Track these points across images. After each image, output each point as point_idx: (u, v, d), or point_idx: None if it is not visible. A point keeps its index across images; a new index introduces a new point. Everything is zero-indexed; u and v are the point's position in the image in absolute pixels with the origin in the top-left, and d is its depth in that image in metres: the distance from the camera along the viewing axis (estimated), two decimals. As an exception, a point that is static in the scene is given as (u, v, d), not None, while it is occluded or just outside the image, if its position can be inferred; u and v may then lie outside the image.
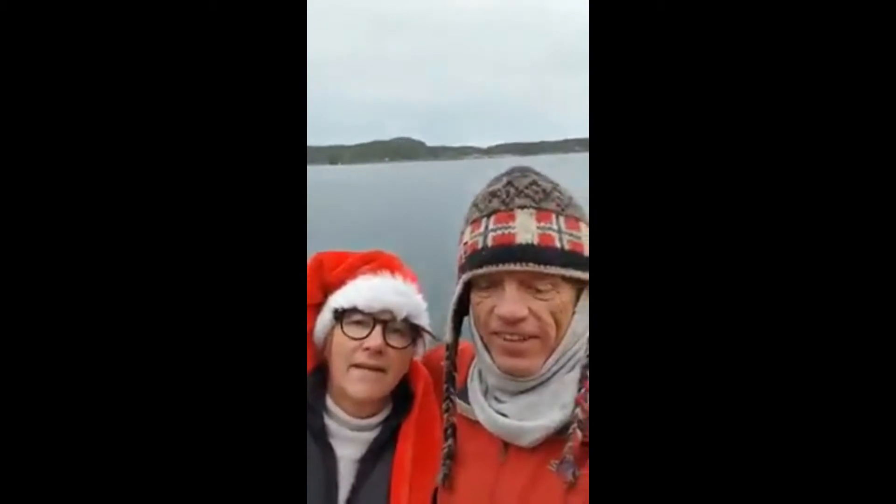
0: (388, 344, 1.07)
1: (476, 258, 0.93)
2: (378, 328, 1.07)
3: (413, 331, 1.13)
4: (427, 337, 1.18)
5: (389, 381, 1.10)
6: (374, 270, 1.14)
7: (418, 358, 1.19)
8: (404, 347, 1.10)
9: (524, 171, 0.97)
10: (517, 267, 0.89)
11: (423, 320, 1.15)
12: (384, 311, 1.08)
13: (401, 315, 1.09)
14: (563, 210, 0.94)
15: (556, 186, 0.96)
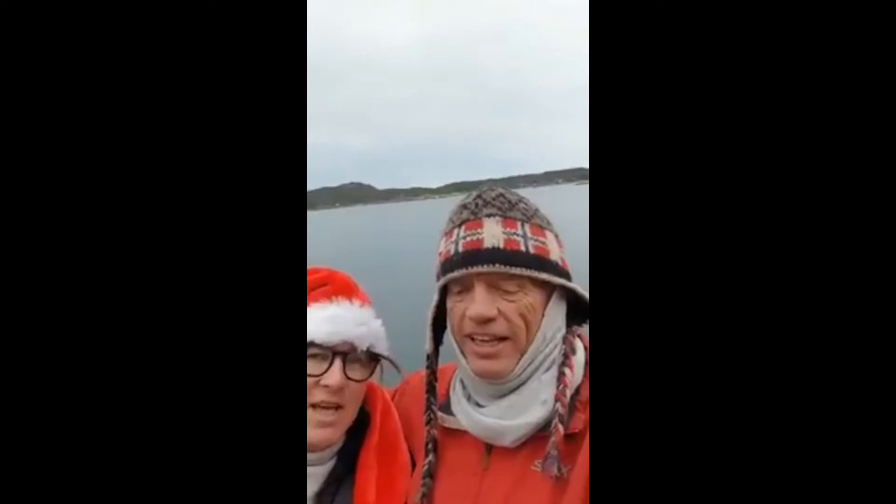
0: (348, 378, 1.00)
1: (448, 264, 0.99)
2: (337, 363, 0.99)
3: (373, 360, 1.06)
4: (386, 362, 1.10)
5: (349, 415, 1.03)
6: (329, 297, 1.03)
7: (377, 381, 1.12)
8: (365, 380, 1.04)
9: (492, 187, 1.04)
10: (484, 269, 0.94)
11: (383, 347, 1.07)
12: (344, 343, 1.00)
13: (363, 346, 1.01)
14: (528, 219, 1.00)
15: (521, 199, 1.02)
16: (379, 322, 1.07)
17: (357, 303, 1.05)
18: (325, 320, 0.99)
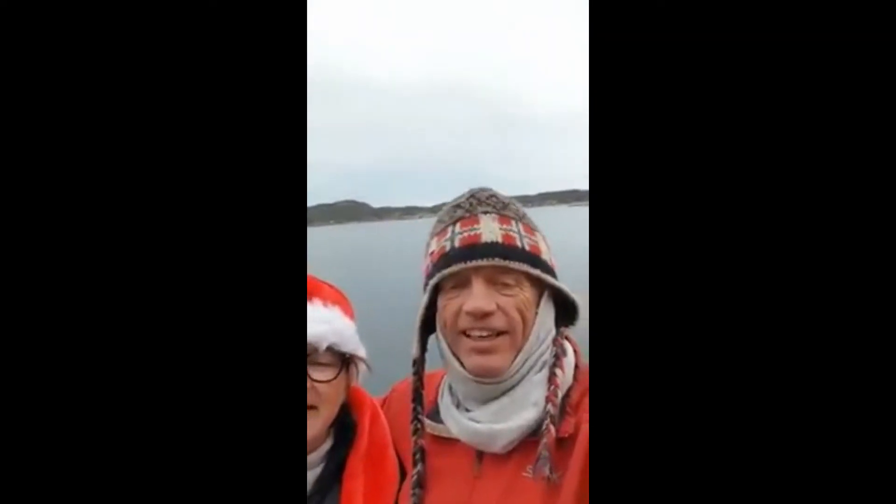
0: (311, 379, 0.98)
1: (444, 259, 0.97)
2: None
3: (341, 359, 1.03)
4: (362, 365, 1.08)
5: (323, 416, 1.01)
6: None
7: (356, 384, 1.10)
8: (331, 380, 1.00)
9: (483, 188, 1.05)
10: (484, 262, 0.93)
11: (352, 345, 1.04)
12: None
13: (322, 346, 0.99)
14: (520, 218, 1.02)
15: (511, 201, 1.04)
16: (346, 320, 1.05)
17: (319, 301, 1.02)
18: None
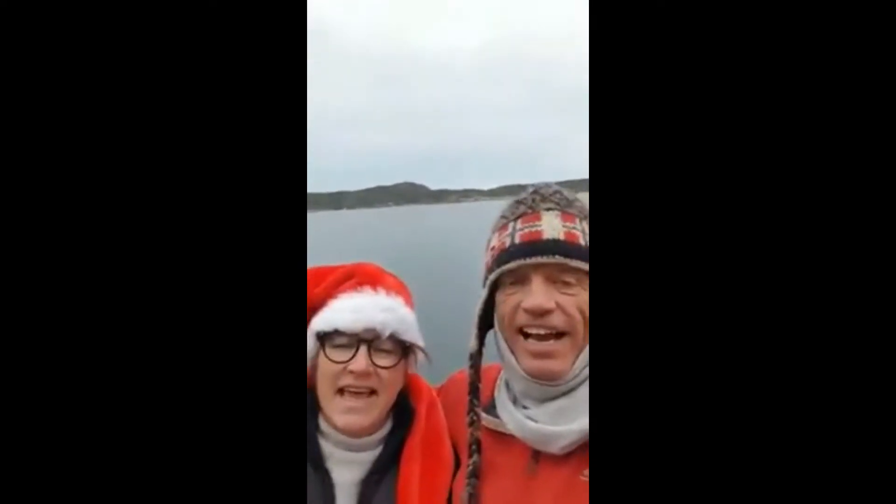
0: (374, 364, 1.01)
1: (504, 255, 0.97)
2: (363, 349, 1.01)
3: (402, 347, 1.06)
4: (421, 354, 1.11)
5: (383, 401, 1.04)
6: (355, 287, 1.07)
7: (414, 371, 1.13)
8: (393, 366, 1.04)
9: (548, 184, 1.04)
10: (544, 259, 0.92)
11: (412, 334, 1.07)
12: (368, 330, 1.01)
13: (386, 333, 1.02)
14: (585, 216, 1.00)
15: (577, 198, 1.02)
16: (407, 310, 1.08)
17: (383, 291, 1.07)
18: (347, 309, 1.03)
